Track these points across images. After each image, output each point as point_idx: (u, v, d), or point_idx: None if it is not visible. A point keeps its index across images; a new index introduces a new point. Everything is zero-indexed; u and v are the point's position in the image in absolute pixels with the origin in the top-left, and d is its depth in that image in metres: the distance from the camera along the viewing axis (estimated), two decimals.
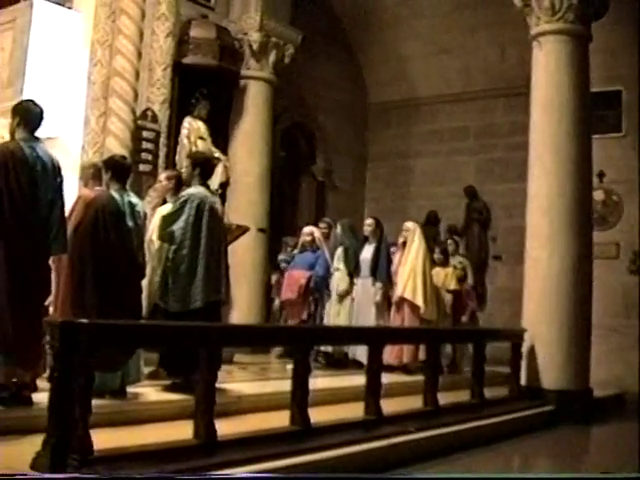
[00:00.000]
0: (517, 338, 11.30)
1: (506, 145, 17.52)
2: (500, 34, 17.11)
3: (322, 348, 11.78)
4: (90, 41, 11.90)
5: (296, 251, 12.94)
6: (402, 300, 11.70)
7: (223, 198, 11.98)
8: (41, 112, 7.00)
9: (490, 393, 10.47)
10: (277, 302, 14.14)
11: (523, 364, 11.30)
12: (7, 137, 10.76)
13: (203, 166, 8.66)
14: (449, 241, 13.99)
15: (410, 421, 8.41)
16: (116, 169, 7.85)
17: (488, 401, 10.27)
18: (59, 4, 12.08)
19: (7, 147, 6.78)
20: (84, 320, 5.60)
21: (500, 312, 16.19)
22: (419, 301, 11.57)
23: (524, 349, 11.30)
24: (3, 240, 6.47)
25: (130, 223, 7.61)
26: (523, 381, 11.30)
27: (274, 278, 14.45)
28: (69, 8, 12.15)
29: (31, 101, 7.13)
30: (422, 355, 10.87)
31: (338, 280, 12.14)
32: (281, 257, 14.38)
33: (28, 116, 6.93)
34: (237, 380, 9.63)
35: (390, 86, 19.33)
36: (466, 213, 17.79)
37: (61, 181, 6.97)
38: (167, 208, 8.85)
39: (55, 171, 6.89)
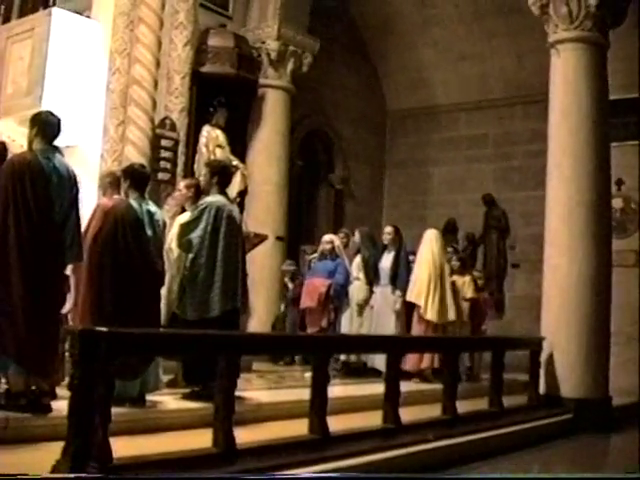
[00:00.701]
0: (536, 346, 11.27)
1: (524, 153, 17.49)
2: (518, 42, 17.12)
3: (341, 356, 11.77)
4: (109, 50, 11.93)
5: (315, 257, 12.94)
6: (415, 307, 11.71)
7: (241, 206, 11.98)
8: (59, 123, 7.03)
9: (509, 401, 10.43)
10: (282, 308, 14.18)
11: (542, 372, 11.27)
12: (24, 144, 10.90)
13: (222, 174, 8.65)
14: (460, 247, 13.88)
15: (429, 430, 8.38)
16: (135, 178, 7.88)
17: (507, 409, 10.24)
18: (77, 13, 12.13)
19: (24, 158, 6.81)
20: (103, 328, 5.60)
21: (519, 320, 16.16)
22: (421, 302, 11.57)
23: (543, 357, 11.27)
24: (18, 249, 6.49)
25: (149, 232, 7.63)
26: (542, 389, 11.27)
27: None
28: (87, 17, 12.20)
29: (49, 112, 7.15)
30: (438, 363, 10.90)
31: (357, 289, 12.13)
32: (285, 267, 14.40)
33: (46, 127, 6.96)
34: (256, 388, 9.63)
35: (408, 94, 19.35)
36: (484, 221, 17.77)
37: (77, 192, 6.99)
38: (186, 216, 8.87)
39: (71, 182, 6.92)
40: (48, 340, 6.52)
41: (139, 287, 7.43)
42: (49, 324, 6.49)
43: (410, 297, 11.71)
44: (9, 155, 8.15)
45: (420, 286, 11.65)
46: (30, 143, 6.99)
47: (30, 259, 6.52)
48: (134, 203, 7.67)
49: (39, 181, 6.65)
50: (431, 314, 11.54)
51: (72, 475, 5.19)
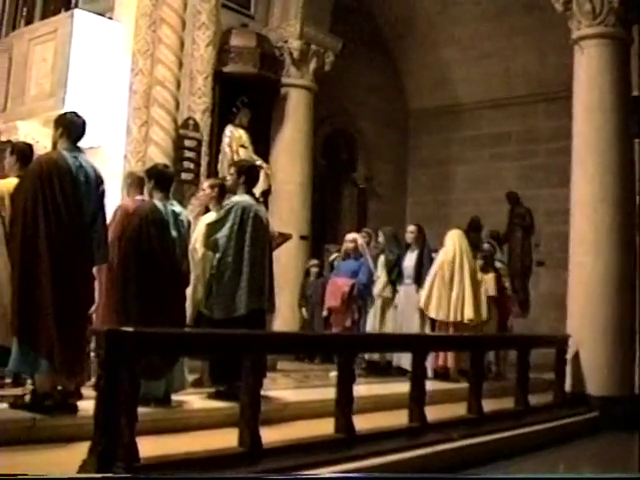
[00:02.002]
0: (561, 344, 11.22)
1: (548, 150, 17.43)
2: (540, 39, 17.05)
3: (365, 355, 11.76)
4: (131, 51, 11.98)
5: (336, 256, 12.94)
6: None
7: (265, 206, 11.98)
8: (84, 123, 7.06)
9: (534, 400, 10.39)
10: (305, 313, 14.22)
11: (567, 370, 11.22)
12: (48, 145, 10.97)
13: (248, 174, 8.65)
14: (486, 246, 13.80)
15: (454, 428, 8.37)
16: (159, 178, 7.89)
17: (532, 408, 10.20)
18: (100, 14, 12.19)
19: (51, 157, 6.84)
20: (130, 328, 5.62)
21: (544, 318, 16.11)
22: (422, 303, 11.60)
23: (568, 355, 11.21)
24: (48, 250, 6.52)
25: (174, 232, 7.64)
26: (567, 387, 11.22)
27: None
28: (110, 18, 12.26)
29: (74, 113, 7.17)
30: (463, 362, 10.88)
31: (380, 288, 12.11)
32: (313, 262, 14.43)
33: (71, 127, 6.99)
34: (281, 387, 9.63)
35: (431, 92, 19.33)
36: (509, 219, 17.71)
37: (103, 191, 7.02)
38: (211, 216, 8.88)
39: (97, 181, 6.96)
40: (77, 340, 6.55)
41: (164, 287, 7.44)
42: (78, 324, 6.52)
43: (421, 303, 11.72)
44: (34, 156, 8.24)
45: (426, 291, 11.66)
46: (54, 144, 7.02)
47: (60, 259, 6.55)
48: (159, 204, 7.68)
49: (67, 181, 6.68)
50: (439, 313, 11.54)
51: (99, 475, 5.21)
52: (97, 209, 6.91)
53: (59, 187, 6.61)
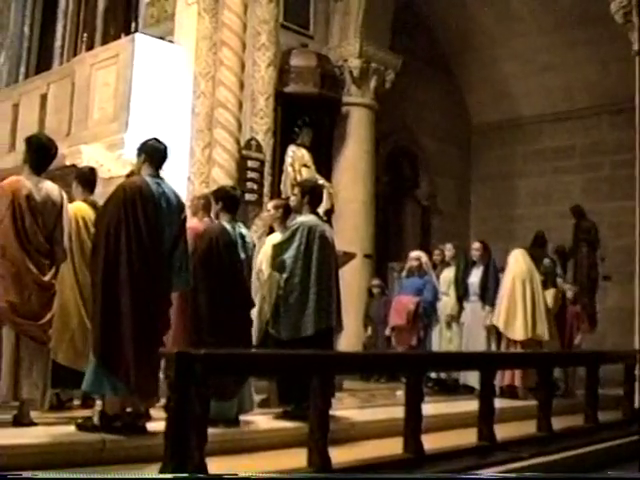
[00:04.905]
0: (630, 359, 11.04)
1: (612, 163, 17.27)
2: (601, 50, 16.93)
3: (432, 374, 11.69)
4: (192, 73, 12.11)
5: (403, 275, 12.89)
6: None
7: (328, 225, 12.01)
8: (165, 149, 7.14)
9: (603, 416, 10.24)
10: (369, 331, 14.16)
11: (637, 386, 11.05)
12: (112, 169, 11.11)
13: (312, 194, 8.65)
14: (546, 261, 13.60)
15: (524, 447, 8.27)
16: (227, 200, 7.94)
17: (602, 425, 10.05)
18: (160, 38, 12.32)
19: (135, 183, 6.92)
20: (199, 350, 5.63)
21: (611, 333, 15.89)
22: (500, 322, 11.46)
23: (637, 370, 11.04)
24: (129, 275, 6.60)
25: (242, 254, 7.69)
26: (637, 403, 11.05)
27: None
28: (170, 42, 12.39)
29: (155, 139, 7.23)
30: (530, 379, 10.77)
31: (446, 305, 12.05)
32: (375, 282, 14.37)
33: (154, 154, 7.08)
34: (348, 407, 9.59)
35: (492, 106, 19.25)
36: (574, 233, 17.50)
37: (185, 217, 7.11)
38: (277, 237, 8.90)
39: (179, 207, 7.03)
40: (152, 363, 6.60)
41: (234, 309, 7.48)
42: (154, 348, 6.55)
43: (495, 321, 11.60)
44: (97, 180, 8.36)
45: (500, 308, 11.54)
46: (138, 170, 7.10)
47: (140, 284, 6.63)
48: (227, 226, 7.72)
49: (150, 207, 6.76)
50: (517, 333, 11.42)
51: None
52: (178, 235, 6.97)
53: (142, 213, 6.70)
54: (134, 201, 6.70)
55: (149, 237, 6.70)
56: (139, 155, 7.13)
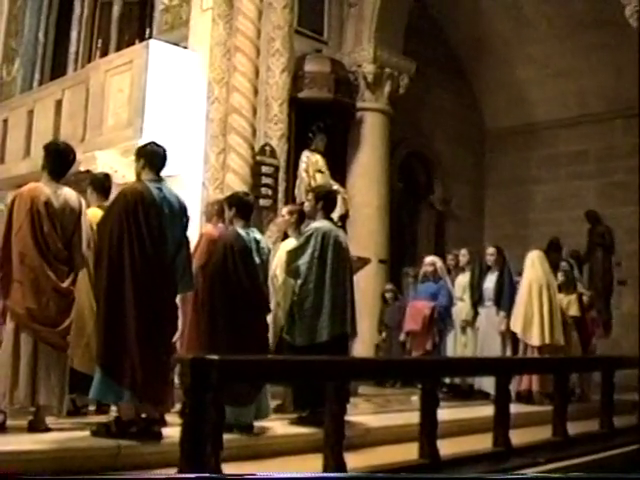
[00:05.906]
0: None
1: (627, 167, 17.18)
2: (616, 55, 16.88)
3: (446, 379, 11.66)
4: (207, 79, 12.13)
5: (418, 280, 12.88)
6: None
7: (343, 230, 12.00)
8: (164, 153, 7.14)
9: (618, 421, 10.20)
10: (383, 334, 14.14)
11: None
12: (126, 175, 11.12)
13: (326, 199, 8.66)
14: (564, 264, 13.53)
15: (540, 452, 8.24)
16: (240, 206, 7.93)
17: (618, 430, 10.01)
18: (175, 44, 12.34)
19: (136, 188, 6.92)
20: (215, 356, 5.62)
21: (625, 338, 15.82)
22: (517, 327, 11.43)
23: None
24: (132, 279, 6.60)
25: (257, 259, 7.69)
26: None
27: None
28: (184, 48, 12.42)
29: (154, 143, 7.25)
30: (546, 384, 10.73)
31: (461, 310, 12.03)
32: (388, 287, 14.36)
33: (153, 158, 7.09)
34: (363, 412, 9.58)
35: (506, 112, 19.23)
36: (589, 238, 17.47)
37: (187, 221, 7.11)
38: (292, 243, 8.90)
39: (182, 211, 7.04)
40: (160, 369, 6.61)
41: (249, 315, 7.48)
42: (162, 353, 6.56)
43: (513, 327, 11.57)
44: (113, 186, 8.37)
45: (517, 313, 11.51)
46: (138, 175, 7.10)
47: (144, 289, 6.63)
48: (242, 231, 7.72)
49: (152, 212, 6.76)
50: (534, 339, 11.38)
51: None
52: (182, 239, 6.99)
53: (144, 218, 6.70)
54: (136, 207, 6.71)
55: (152, 243, 6.71)
56: (138, 160, 7.13)
